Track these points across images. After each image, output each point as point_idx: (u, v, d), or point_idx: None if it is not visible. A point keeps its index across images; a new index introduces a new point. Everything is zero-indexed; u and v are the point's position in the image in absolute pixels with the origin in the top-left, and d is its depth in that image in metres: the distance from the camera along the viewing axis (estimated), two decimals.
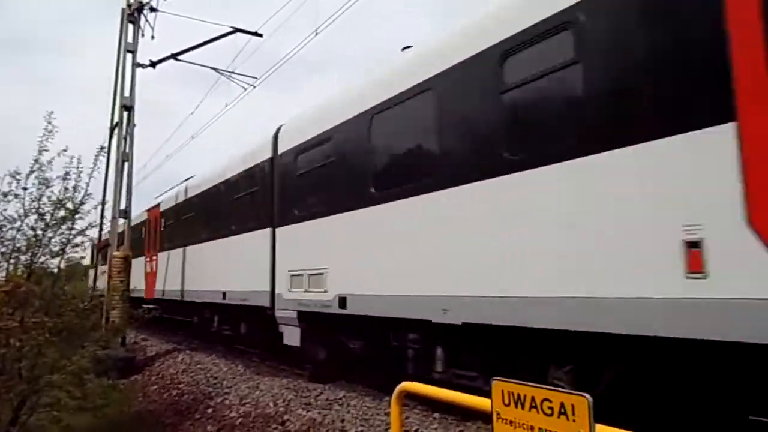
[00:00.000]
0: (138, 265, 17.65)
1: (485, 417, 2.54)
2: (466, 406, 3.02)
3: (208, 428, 6.99)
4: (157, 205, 17.08)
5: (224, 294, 10.61)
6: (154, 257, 16.73)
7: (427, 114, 5.75)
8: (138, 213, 18.60)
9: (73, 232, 8.51)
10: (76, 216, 8.41)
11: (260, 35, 15.35)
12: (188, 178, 15.29)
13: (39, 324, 6.67)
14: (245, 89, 16.18)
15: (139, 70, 13.71)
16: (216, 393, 8.30)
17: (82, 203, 8.43)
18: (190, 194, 13.78)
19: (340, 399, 6.82)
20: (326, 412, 6.31)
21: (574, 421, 2.09)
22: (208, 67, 16.13)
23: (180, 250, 14.04)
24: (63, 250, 8.53)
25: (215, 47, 15.64)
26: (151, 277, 16.90)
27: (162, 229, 16.24)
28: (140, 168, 26.32)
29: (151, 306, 15.80)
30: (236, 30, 15.02)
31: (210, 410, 7.62)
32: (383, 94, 6.51)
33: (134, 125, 13.33)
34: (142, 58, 14.05)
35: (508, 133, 4.76)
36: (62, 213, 8.28)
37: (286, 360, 10.03)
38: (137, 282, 17.40)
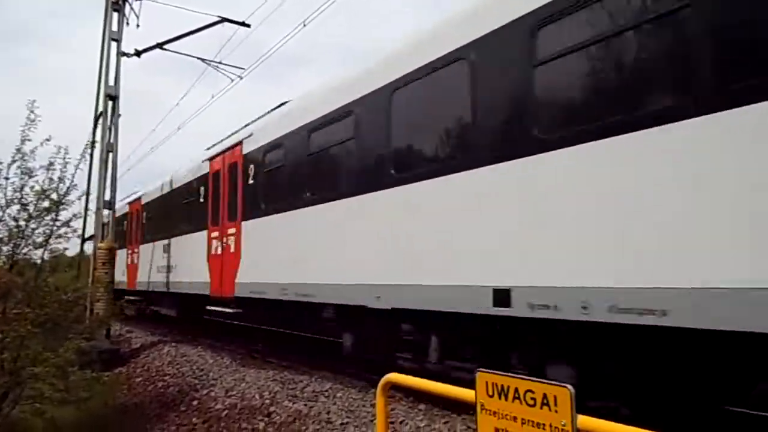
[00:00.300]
0: (187, 245, 12.17)
1: (471, 408, 2.57)
2: (451, 397, 3.05)
3: (193, 420, 6.98)
4: (235, 147, 10.22)
5: (506, 295, 4.58)
6: (231, 230, 9.97)
7: None
8: (188, 167, 12.92)
9: (58, 223, 8.42)
10: (61, 207, 8.31)
11: (248, 25, 15.24)
12: (282, 104, 9.72)
13: (21, 315, 6.61)
14: (232, 80, 16.06)
15: (124, 59, 13.54)
16: (202, 385, 8.29)
17: (66, 194, 8.33)
18: (336, 105, 7.09)
19: (327, 391, 6.84)
20: (312, 404, 6.33)
21: (556, 411, 2.12)
22: (194, 57, 15.97)
23: (298, 213, 7.77)
24: (47, 242, 8.44)
25: (202, 37, 15.49)
26: (222, 262, 10.21)
27: (250, 181, 9.36)
28: (124, 159, 25.98)
29: (228, 310, 9.88)
30: (223, 20, 14.87)
31: (195, 402, 7.61)
32: None
33: (119, 115, 13.17)
34: (127, 47, 13.88)
35: None
36: (46, 204, 8.19)
37: (272, 353, 10.03)
38: (183, 272, 12.33)
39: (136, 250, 16.70)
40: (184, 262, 12.32)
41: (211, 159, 11.36)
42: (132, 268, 17.08)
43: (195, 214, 11.74)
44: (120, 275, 16.70)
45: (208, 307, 10.76)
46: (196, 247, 11.42)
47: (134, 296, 17.13)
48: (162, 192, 14.43)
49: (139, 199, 16.67)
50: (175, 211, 13.20)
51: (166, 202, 13.98)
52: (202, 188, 11.53)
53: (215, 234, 10.65)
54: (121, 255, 17.12)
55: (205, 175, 11.51)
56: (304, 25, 11.98)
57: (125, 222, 18.10)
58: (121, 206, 18.01)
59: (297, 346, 10.74)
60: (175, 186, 13.45)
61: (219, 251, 10.33)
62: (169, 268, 13.14)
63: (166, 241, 13.49)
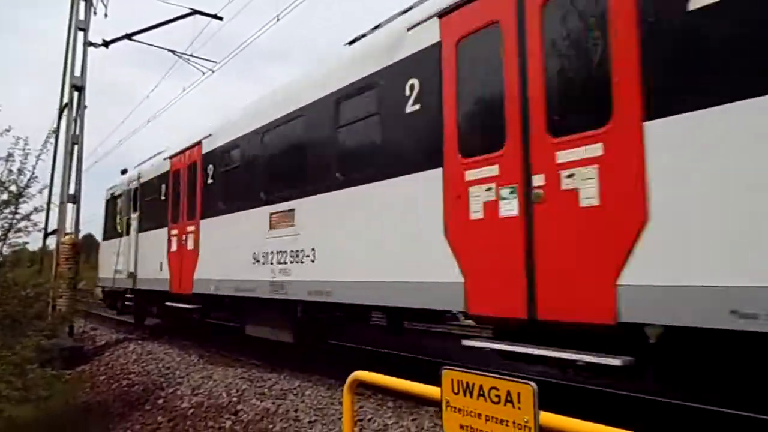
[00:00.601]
0: (356, 207, 6.18)
1: (439, 404, 2.57)
2: (418, 395, 3.04)
3: (158, 419, 6.85)
4: None
5: None
6: (586, 151, 3.97)
7: None
8: (335, 62, 7.15)
9: (17, 216, 8.16)
10: (21, 200, 8.06)
11: (220, 18, 15.04)
12: None
13: None
14: (204, 73, 15.83)
15: (91, 49, 13.20)
16: (167, 383, 8.14)
17: (27, 186, 8.08)
18: None
19: (295, 389, 6.78)
20: (280, 402, 6.27)
21: (519, 408, 2.13)
22: (165, 49, 15.69)
23: None
24: (5, 235, 8.16)
25: (173, 29, 15.20)
26: (540, 236, 4.23)
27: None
28: (91, 152, 25.28)
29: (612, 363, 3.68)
30: (195, 12, 14.63)
31: (161, 401, 7.47)
32: None
33: (85, 106, 12.84)
34: (94, 37, 13.52)
35: None
36: (5, 196, 7.93)
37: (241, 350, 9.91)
38: (337, 262, 6.39)
39: (189, 230, 10.06)
40: (343, 241, 6.25)
41: (451, 10, 5.13)
42: (182, 259, 10.24)
43: (386, 145, 5.77)
44: (153, 271, 11.51)
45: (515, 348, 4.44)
46: (398, 210, 5.56)
47: (184, 303, 10.31)
48: (259, 124, 7.97)
49: (195, 147, 10.13)
50: (300, 152, 7.09)
51: (271, 140, 7.76)
52: (414, 83, 5.44)
53: (492, 170, 4.64)
54: (156, 239, 11.54)
55: (430, 54, 5.31)
56: (278, 20, 11.86)
57: (163, 187, 11.48)
58: (150, 168, 12.63)
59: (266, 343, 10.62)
60: (299, 105, 7.12)
61: (514, 211, 4.44)
62: (287, 256, 7.15)
63: (275, 208, 7.44)
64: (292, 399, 6.38)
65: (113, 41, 14.33)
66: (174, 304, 10.68)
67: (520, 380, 2.16)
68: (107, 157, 29.69)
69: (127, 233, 13.45)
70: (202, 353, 10.05)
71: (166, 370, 8.90)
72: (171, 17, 14.64)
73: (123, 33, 14.55)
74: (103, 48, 14.20)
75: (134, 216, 13.17)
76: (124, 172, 15.09)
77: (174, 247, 10.70)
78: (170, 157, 11.33)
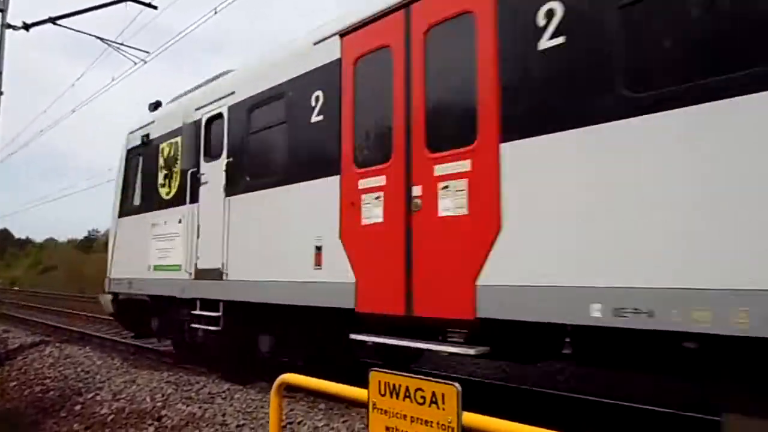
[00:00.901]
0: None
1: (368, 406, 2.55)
2: (346, 397, 3.02)
3: (74, 426, 6.47)
4: None
5: None
6: None
7: None
8: None
9: None
10: None
11: (155, 7, 14.43)
12: None
13: None
14: (135, 63, 15.15)
15: (9, 32, 12.34)
16: (86, 389, 7.70)
17: None
18: None
19: (224, 392, 6.59)
20: (207, 406, 6.07)
21: (443, 409, 2.15)
22: (93, 36, 14.88)
23: None
24: None
25: (104, 15, 14.46)
26: None
27: None
28: (8, 143, 23.62)
29: None
30: None
31: (78, 407, 7.05)
32: None
33: (1, 93, 11.97)
34: (14, 19, 12.66)
35: None
36: None
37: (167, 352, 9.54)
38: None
39: (443, 173, 4.51)
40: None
41: None
42: (417, 240, 4.67)
43: None
44: (283, 267, 6.16)
45: None
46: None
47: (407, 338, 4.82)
48: None
49: None
50: None
51: None
52: None
53: None
54: (290, 203, 6.16)
55: None
56: (216, 12, 11.55)
57: (315, 99, 5.85)
58: (261, 69, 7.01)
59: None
60: None
61: None
62: None
63: None
64: (220, 403, 6.19)
65: (35, 24, 13.47)
66: (394, 342, 4.93)
67: (444, 381, 2.19)
68: (28, 147, 27.79)
69: (192, 199, 7.87)
70: (125, 356, 9.60)
71: (85, 375, 8.42)
72: (101, 2, 13.94)
73: (47, 16, 13.71)
74: (23, 31, 13.33)
75: (211, 166, 7.57)
76: (155, 106, 9.85)
77: (373, 216, 5.18)
78: (343, 34, 5.64)
